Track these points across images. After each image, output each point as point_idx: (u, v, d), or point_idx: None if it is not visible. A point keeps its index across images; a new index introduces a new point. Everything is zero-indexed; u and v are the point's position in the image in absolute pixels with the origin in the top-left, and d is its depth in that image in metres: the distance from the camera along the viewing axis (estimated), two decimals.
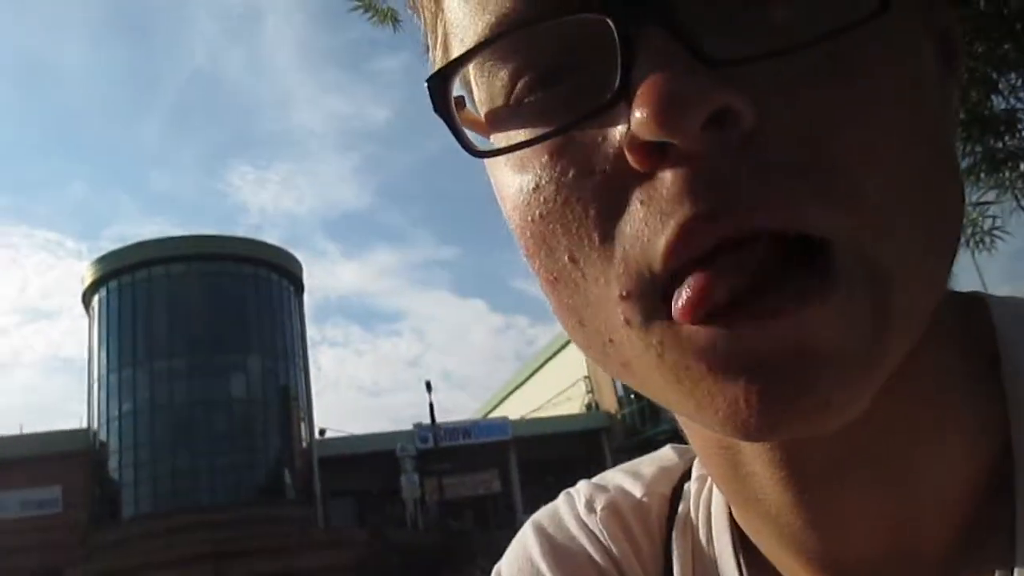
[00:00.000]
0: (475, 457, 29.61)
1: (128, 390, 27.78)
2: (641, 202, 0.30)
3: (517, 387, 42.11)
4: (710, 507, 0.48)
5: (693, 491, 0.49)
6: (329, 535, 25.88)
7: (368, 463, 29.01)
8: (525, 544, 0.53)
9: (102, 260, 30.42)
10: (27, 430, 30.63)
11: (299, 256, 33.73)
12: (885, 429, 0.36)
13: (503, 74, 0.34)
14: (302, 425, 29.99)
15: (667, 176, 0.29)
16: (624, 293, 0.31)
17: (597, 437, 31.40)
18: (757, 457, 0.37)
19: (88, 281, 30.35)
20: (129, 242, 31.09)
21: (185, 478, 26.27)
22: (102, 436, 27.79)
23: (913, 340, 0.32)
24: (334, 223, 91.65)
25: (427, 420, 27.78)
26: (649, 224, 0.29)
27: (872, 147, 0.29)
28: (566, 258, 0.33)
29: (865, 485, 0.37)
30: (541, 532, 0.53)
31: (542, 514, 0.55)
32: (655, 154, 0.29)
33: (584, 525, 0.51)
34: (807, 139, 0.29)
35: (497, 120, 0.35)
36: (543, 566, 0.50)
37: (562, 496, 0.55)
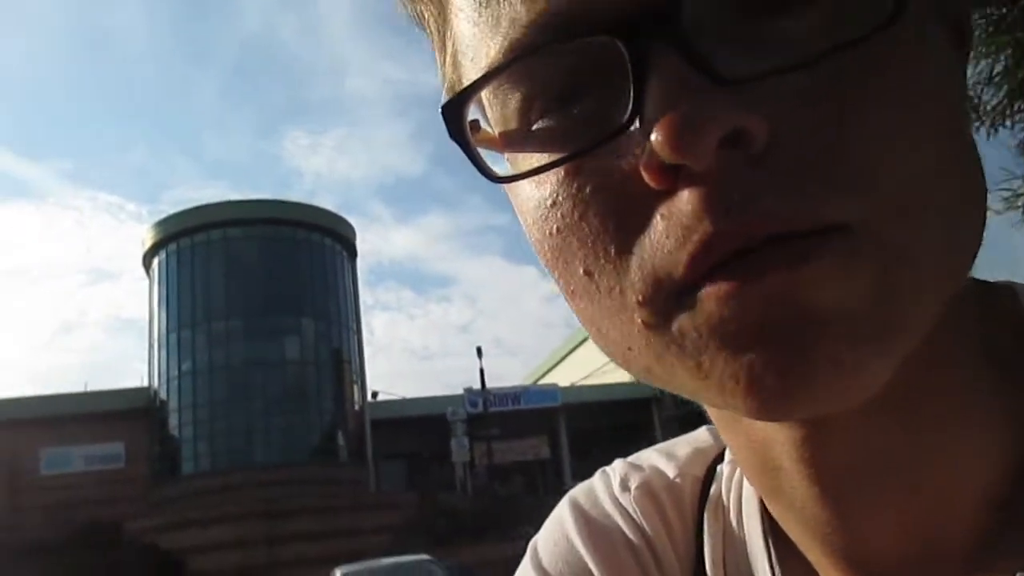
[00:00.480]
0: (524, 423, 29.78)
1: (187, 350, 28.45)
2: (662, 216, 0.30)
3: (567, 354, 42.12)
4: (741, 490, 0.48)
5: (726, 473, 0.50)
6: (380, 497, 26.35)
7: (419, 426, 29.38)
8: (561, 520, 0.54)
9: (161, 224, 31.02)
10: (91, 387, 31.66)
11: (352, 221, 34.19)
12: (909, 424, 0.36)
13: (517, 96, 0.34)
14: (354, 388, 30.44)
15: (685, 194, 0.29)
16: (641, 299, 0.32)
17: (647, 406, 31.33)
18: (785, 452, 0.38)
19: (148, 244, 30.97)
20: (187, 206, 31.72)
21: (241, 437, 26.91)
22: (162, 395, 28.56)
23: (927, 320, 0.31)
24: (388, 188, 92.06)
25: (477, 385, 27.99)
26: (671, 236, 0.30)
27: (887, 139, 0.29)
28: (581, 271, 0.33)
29: (890, 481, 0.37)
30: (577, 509, 0.54)
31: (578, 491, 0.55)
32: (671, 173, 0.29)
33: (618, 503, 0.52)
34: (821, 142, 0.29)
35: (512, 142, 0.36)
36: (578, 542, 0.51)
37: (598, 474, 0.56)
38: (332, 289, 30.74)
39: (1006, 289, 0.41)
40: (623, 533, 0.50)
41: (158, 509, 25.17)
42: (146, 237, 31.47)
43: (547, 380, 41.20)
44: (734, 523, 0.48)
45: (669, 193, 0.30)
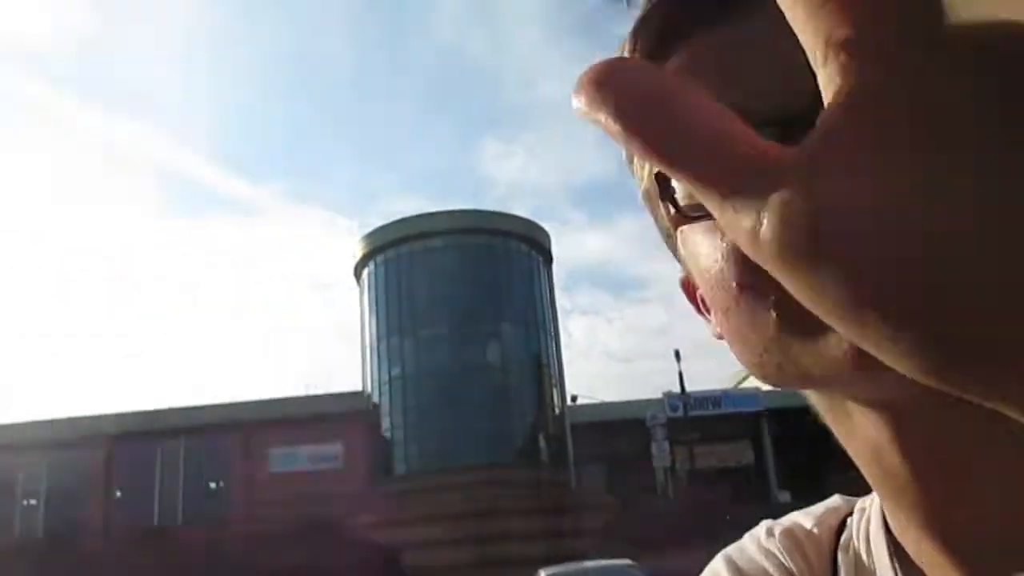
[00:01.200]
0: (726, 427, 29.14)
1: (396, 356, 29.95)
2: None
3: None
4: (869, 528, 0.55)
5: (855, 521, 0.58)
6: (582, 498, 26.60)
7: (618, 430, 29.41)
8: (715, 571, 0.64)
9: (369, 236, 32.86)
10: (310, 391, 34.00)
11: (546, 226, 34.60)
12: (992, 421, 0.40)
13: None
14: (554, 392, 30.95)
15: None
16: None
17: None
18: (895, 449, 0.43)
19: (358, 256, 32.84)
20: (391, 218, 33.36)
21: (449, 439, 27.96)
22: (375, 398, 30.20)
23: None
24: (580, 192, 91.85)
25: (676, 388, 27.67)
26: None
27: None
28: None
29: (999, 469, 0.40)
30: (728, 559, 0.64)
31: (730, 548, 0.67)
32: None
33: (764, 548, 0.61)
34: None
35: None
36: None
37: (747, 534, 0.67)
38: (530, 295, 31.42)
39: None
40: (766, 571, 0.60)
41: (374, 507, 26.69)
42: (356, 249, 33.45)
43: (749, 384, 40.05)
44: (863, 555, 0.55)
45: None
